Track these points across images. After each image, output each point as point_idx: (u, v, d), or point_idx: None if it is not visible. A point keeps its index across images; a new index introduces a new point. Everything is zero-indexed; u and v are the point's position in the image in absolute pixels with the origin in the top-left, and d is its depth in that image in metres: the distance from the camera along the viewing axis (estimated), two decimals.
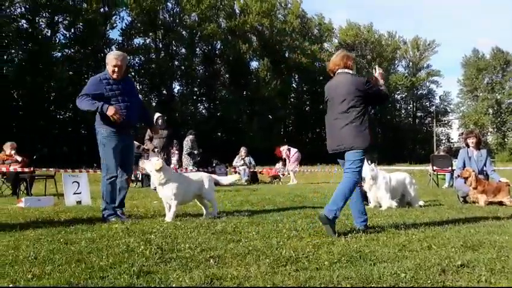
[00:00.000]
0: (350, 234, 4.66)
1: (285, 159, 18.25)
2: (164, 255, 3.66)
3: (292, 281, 2.97)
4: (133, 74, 49.23)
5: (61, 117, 44.83)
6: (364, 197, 7.85)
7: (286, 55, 59.33)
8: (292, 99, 61.52)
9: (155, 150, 11.65)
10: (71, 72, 44.58)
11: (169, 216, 5.81)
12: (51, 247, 3.98)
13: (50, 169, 10.21)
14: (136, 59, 48.79)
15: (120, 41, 48.07)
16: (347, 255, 3.67)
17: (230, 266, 3.38)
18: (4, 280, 2.93)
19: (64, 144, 42.85)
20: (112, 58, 6.05)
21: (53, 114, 43.64)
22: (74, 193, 8.27)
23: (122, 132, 6.02)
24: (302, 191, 11.57)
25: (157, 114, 12.22)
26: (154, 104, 48.82)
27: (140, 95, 6.26)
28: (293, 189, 13.08)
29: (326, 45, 66.71)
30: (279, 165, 22.65)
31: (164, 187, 5.89)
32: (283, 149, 18.29)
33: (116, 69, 6.00)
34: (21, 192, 10.69)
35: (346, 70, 5.11)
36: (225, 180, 7.25)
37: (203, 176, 6.33)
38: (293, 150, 17.92)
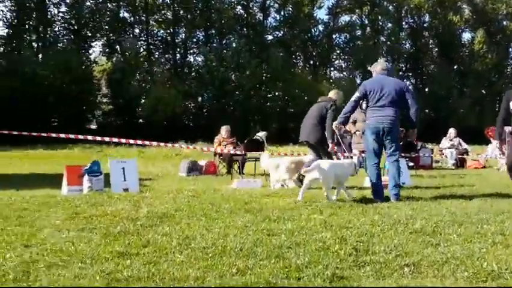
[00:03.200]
0: None
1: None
2: (358, 258, 3.68)
3: None
4: (337, 52, 49.69)
5: (271, 95, 47.64)
6: None
7: (504, 23, 53.06)
8: (509, 72, 55.01)
9: (357, 133, 11.68)
10: (281, 54, 47.06)
11: None
12: (255, 237, 4.33)
13: (259, 153, 10.89)
14: (342, 37, 49.05)
15: (326, 20, 48.88)
16: None
17: (425, 276, 3.27)
18: (212, 273, 3.28)
19: (273, 121, 45.53)
20: None
21: (265, 93, 46.58)
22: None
23: None
24: None
25: None
26: (358, 81, 48.52)
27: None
28: (502, 178, 11.75)
29: None
30: (491, 146, 20.54)
31: None
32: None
33: None
34: (235, 171, 11.77)
35: None
36: None
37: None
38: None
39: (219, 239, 4.27)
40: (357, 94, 7.30)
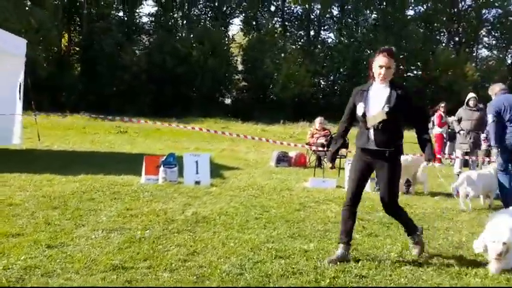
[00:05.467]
0: None
1: None
2: None
3: None
4: (487, 28, 45.41)
5: (408, 75, 45.34)
6: None
7: None
8: None
9: (461, 132, 10.78)
10: (421, 30, 44.47)
11: None
12: (254, 261, 4.26)
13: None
14: (492, 12, 44.68)
15: None
16: None
17: None
18: None
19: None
20: None
21: (401, 73, 44.45)
22: None
23: None
24: None
25: (470, 95, 11.25)
26: (509, 61, 44.08)
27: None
28: None
29: None
30: None
31: None
32: None
33: None
34: (325, 163, 11.59)
35: None
36: None
37: None
38: None
39: (220, 258, 4.31)
40: (490, 118, 7.33)
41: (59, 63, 37.71)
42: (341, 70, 42.07)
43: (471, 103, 10.89)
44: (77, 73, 39.85)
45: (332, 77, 43.37)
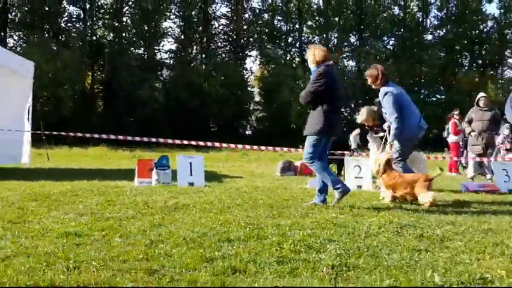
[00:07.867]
0: None
1: None
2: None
3: None
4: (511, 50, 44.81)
5: (433, 99, 44.71)
6: None
7: None
8: None
9: (472, 134, 10.38)
10: (442, 54, 44.11)
11: None
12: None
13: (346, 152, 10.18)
14: None
15: (497, 15, 44.25)
16: None
17: None
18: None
19: (432, 127, 42.54)
20: None
21: (423, 97, 43.88)
22: (355, 177, 8.19)
23: None
24: None
25: (480, 95, 10.96)
26: None
27: None
28: None
29: None
30: None
31: None
32: None
33: None
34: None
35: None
36: None
37: None
38: None
39: (181, 229, 4.09)
40: None
41: (84, 101, 38.53)
42: (358, 97, 41.85)
43: (481, 103, 10.57)
44: (99, 110, 40.62)
45: (353, 105, 43.10)
